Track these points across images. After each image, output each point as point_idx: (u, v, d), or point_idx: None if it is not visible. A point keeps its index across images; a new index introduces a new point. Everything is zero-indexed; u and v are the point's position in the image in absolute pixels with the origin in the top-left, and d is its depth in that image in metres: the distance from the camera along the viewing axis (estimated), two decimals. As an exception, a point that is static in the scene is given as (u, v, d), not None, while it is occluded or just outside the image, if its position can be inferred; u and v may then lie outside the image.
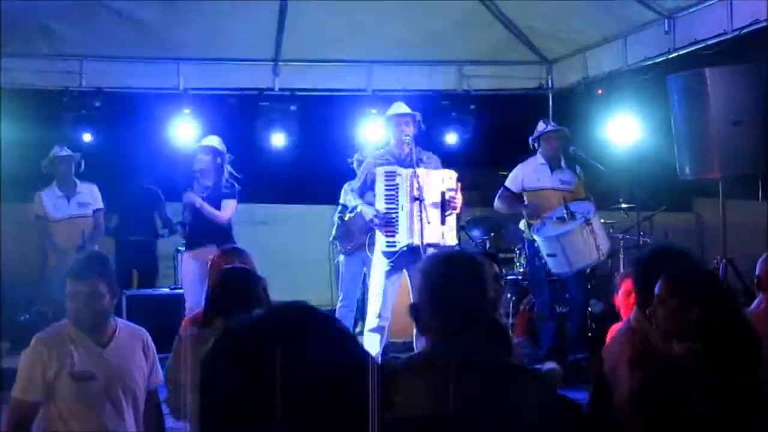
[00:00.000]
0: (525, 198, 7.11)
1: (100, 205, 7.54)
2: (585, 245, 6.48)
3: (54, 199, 7.37)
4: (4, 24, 6.97)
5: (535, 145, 7.22)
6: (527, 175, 7.15)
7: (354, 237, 7.64)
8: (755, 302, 4.01)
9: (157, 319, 7.50)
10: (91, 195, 7.49)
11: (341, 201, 7.96)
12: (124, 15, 7.71)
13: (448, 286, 2.38)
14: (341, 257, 7.82)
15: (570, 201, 6.74)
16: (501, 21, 8.21)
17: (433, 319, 2.41)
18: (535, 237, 6.76)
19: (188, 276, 6.87)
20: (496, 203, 7.25)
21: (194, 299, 6.18)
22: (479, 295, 2.37)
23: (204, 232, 6.81)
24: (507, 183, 7.22)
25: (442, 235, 6.08)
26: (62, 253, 7.11)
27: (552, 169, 7.09)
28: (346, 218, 7.54)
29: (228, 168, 7.00)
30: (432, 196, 6.05)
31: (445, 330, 2.38)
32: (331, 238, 7.94)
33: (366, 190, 6.43)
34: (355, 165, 7.96)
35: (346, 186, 7.98)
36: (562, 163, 7.14)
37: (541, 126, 7.28)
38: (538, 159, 7.16)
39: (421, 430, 2.26)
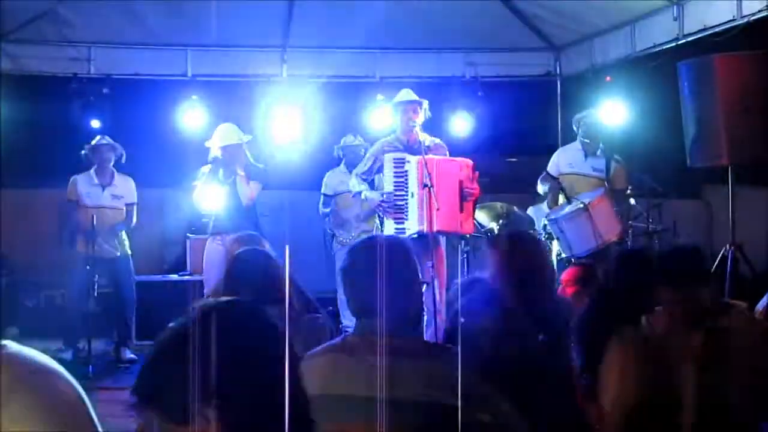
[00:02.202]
0: (561, 182, 7.16)
1: (134, 199, 7.55)
2: (582, 231, 6.49)
3: (89, 187, 7.38)
4: (12, 10, 6.97)
5: (577, 130, 7.29)
6: (563, 159, 7.27)
7: (351, 226, 7.60)
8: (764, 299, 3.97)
9: (166, 306, 7.60)
10: (125, 188, 7.50)
11: (323, 191, 7.88)
12: (131, 1, 7.71)
13: (365, 271, 2.49)
14: (336, 245, 7.72)
15: (599, 189, 6.80)
16: (508, 7, 8.18)
17: (357, 301, 2.55)
18: (545, 220, 6.85)
19: (212, 262, 6.84)
20: (538, 186, 7.37)
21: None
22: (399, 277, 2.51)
23: (231, 219, 6.82)
24: (548, 167, 7.35)
25: (460, 223, 6.06)
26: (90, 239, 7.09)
27: (586, 155, 7.12)
28: (346, 204, 7.50)
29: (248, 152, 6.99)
30: (447, 183, 6.01)
31: (365, 311, 2.51)
32: (327, 229, 7.88)
33: (371, 176, 6.41)
34: (340, 153, 7.93)
35: (329, 174, 7.91)
36: (599, 151, 7.16)
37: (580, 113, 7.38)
38: (576, 144, 7.24)
39: (349, 408, 2.34)
